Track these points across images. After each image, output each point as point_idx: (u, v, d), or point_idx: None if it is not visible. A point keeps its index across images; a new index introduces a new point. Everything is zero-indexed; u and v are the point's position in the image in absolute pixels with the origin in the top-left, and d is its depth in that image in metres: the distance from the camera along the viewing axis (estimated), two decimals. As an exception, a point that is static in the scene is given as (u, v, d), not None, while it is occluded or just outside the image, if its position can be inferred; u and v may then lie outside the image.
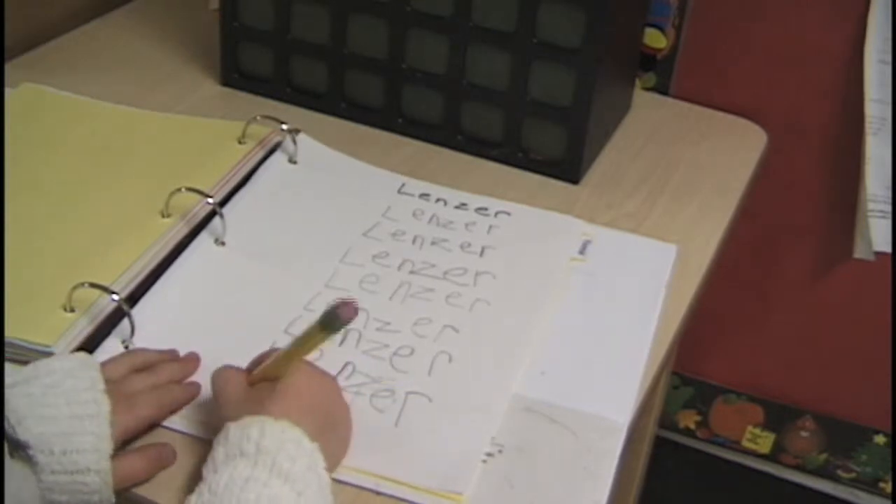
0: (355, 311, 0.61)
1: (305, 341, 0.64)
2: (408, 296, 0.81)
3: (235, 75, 1.06)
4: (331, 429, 0.65)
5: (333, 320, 0.62)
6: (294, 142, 0.95)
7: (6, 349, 0.70)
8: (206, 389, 0.70)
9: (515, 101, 0.95)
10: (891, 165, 1.07)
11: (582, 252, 0.87)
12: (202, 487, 0.59)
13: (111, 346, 0.73)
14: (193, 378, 0.72)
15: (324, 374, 0.68)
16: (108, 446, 0.61)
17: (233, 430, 0.61)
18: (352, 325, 0.76)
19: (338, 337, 0.76)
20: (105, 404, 0.63)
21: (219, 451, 0.60)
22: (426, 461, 0.67)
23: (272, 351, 0.68)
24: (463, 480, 0.66)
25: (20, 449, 0.60)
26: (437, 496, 0.65)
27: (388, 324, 0.78)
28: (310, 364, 0.67)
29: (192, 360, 0.73)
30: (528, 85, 0.94)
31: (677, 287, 0.84)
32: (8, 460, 0.59)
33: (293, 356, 0.65)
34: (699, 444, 1.42)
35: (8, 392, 0.62)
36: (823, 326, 1.25)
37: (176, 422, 0.68)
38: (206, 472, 0.60)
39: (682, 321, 0.82)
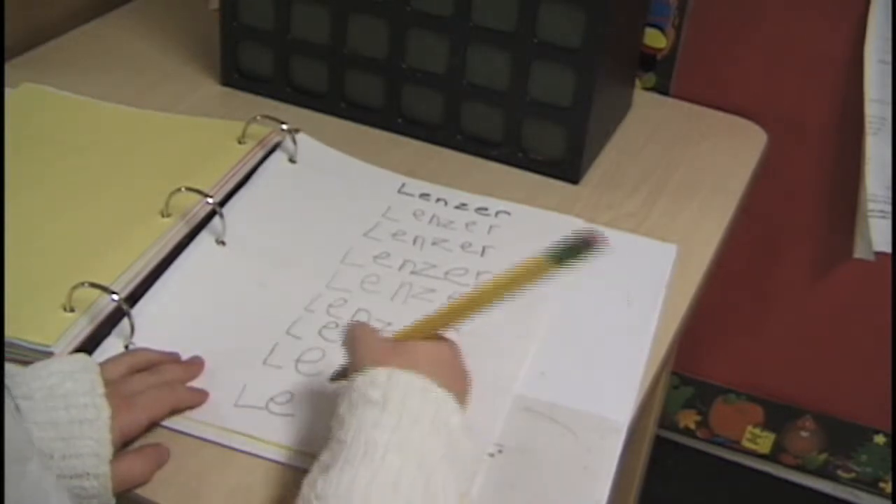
0: (602, 241, 0.58)
1: (506, 282, 0.61)
2: (409, 296, 0.81)
3: (235, 75, 1.06)
4: (462, 395, 0.64)
5: (580, 249, 0.58)
6: (294, 141, 0.95)
7: (6, 349, 0.70)
8: (210, 391, 0.70)
9: (515, 101, 0.95)
10: (891, 165, 1.07)
11: (582, 252, 0.87)
12: (331, 443, 0.58)
13: (111, 347, 0.73)
14: (196, 379, 0.71)
15: (453, 344, 0.67)
16: (107, 451, 0.61)
17: (358, 379, 0.60)
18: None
19: (339, 337, 0.76)
20: (105, 409, 0.62)
21: (343, 404, 0.60)
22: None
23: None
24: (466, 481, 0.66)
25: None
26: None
27: (390, 324, 0.78)
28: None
29: (197, 363, 0.72)
30: (528, 85, 0.94)
31: (677, 287, 0.84)
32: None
33: (462, 311, 0.63)
34: (699, 444, 1.42)
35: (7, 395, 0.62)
36: (823, 326, 1.25)
37: (176, 422, 0.68)
38: (334, 427, 0.60)
39: (682, 321, 0.82)
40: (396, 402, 0.58)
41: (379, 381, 0.59)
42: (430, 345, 0.65)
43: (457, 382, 0.65)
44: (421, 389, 0.60)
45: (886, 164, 1.07)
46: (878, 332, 1.22)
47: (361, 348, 0.65)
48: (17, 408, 0.60)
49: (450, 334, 0.67)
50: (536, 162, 0.97)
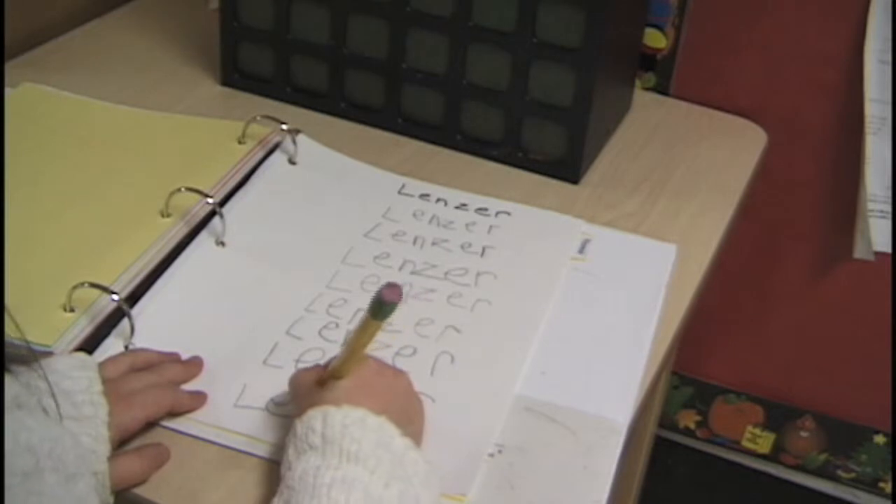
0: (399, 293, 0.60)
1: (361, 334, 0.63)
2: (409, 296, 0.81)
3: (235, 75, 1.06)
4: (407, 422, 0.64)
5: (381, 306, 0.61)
6: (294, 142, 0.95)
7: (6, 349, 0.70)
8: (210, 391, 0.70)
9: (515, 101, 0.95)
10: (891, 165, 1.07)
11: (581, 251, 0.87)
12: (281, 487, 0.60)
13: (111, 347, 0.73)
14: (196, 380, 0.72)
15: (395, 370, 0.68)
16: (105, 449, 0.61)
17: (298, 425, 0.61)
18: (353, 326, 0.77)
19: (340, 338, 0.76)
20: (103, 406, 0.63)
21: (290, 450, 0.61)
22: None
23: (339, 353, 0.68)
24: (466, 481, 0.66)
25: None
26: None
27: (390, 324, 0.77)
28: (379, 360, 0.67)
29: (196, 363, 0.73)
30: (528, 85, 0.94)
31: (677, 287, 0.84)
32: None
33: (354, 352, 0.64)
34: (699, 444, 1.42)
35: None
36: (823, 326, 1.25)
37: (176, 422, 0.68)
38: (283, 470, 0.61)
39: (682, 321, 0.82)
40: (335, 444, 0.59)
41: (316, 426, 0.60)
42: (373, 377, 0.65)
43: (410, 420, 0.65)
44: (357, 422, 0.60)
45: (886, 164, 1.07)
46: (878, 332, 1.22)
47: (300, 393, 0.66)
48: (46, 410, 0.59)
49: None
50: (536, 162, 0.97)
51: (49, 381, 0.60)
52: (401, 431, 0.61)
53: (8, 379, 0.53)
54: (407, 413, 0.66)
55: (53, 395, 0.59)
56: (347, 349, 0.64)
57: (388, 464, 0.59)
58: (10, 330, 0.62)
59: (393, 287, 0.60)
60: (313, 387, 0.65)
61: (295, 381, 0.68)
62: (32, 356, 0.63)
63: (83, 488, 0.54)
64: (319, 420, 0.60)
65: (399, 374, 0.68)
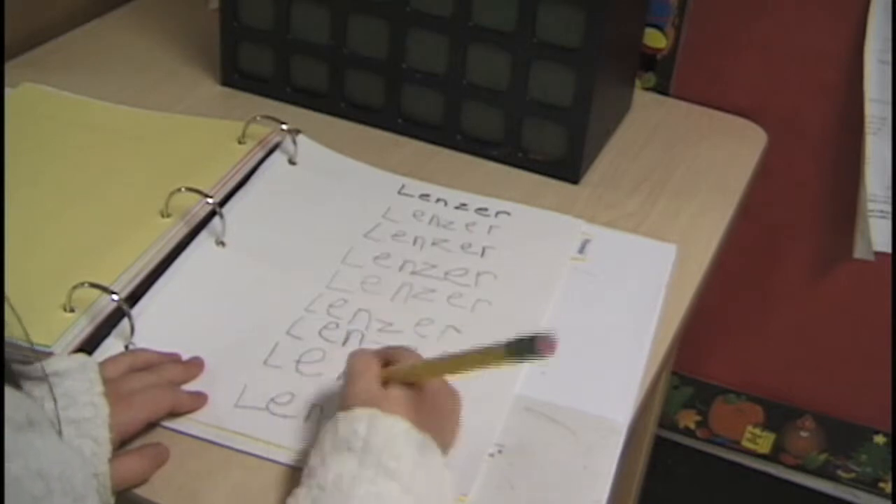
0: (552, 348, 0.57)
1: (474, 360, 0.61)
2: (409, 297, 0.81)
3: (235, 75, 1.06)
4: (448, 443, 0.64)
5: (525, 349, 0.58)
6: (294, 142, 0.95)
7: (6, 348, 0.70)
8: (210, 391, 0.70)
9: (515, 101, 0.95)
10: (891, 165, 1.07)
11: (581, 251, 0.87)
12: (310, 481, 0.59)
13: (111, 347, 0.73)
14: (196, 380, 0.72)
15: (454, 389, 0.67)
16: (106, 450, 0.61)
17: (341, 421, 0.61)
18: (353, 326, 0.77)
19: (340, 338, 0.76)
20: (103, 407, 0.63)
21: (326, 441, 0.60)
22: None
23: (405, 350, 0.67)
24: (467, 481, 0.66)
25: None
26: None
27: (391, 325, 0.78)
28: (445, 381, 0.66)
29: (196, 364, 0.72)
30: (528, 85, 0.94)
31: (677, 287, 0.84)
32: None
33: (446, 370, 0.63)
34: (699, 444, 1.42)
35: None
36: (823, 326, 1.25)
37: (176, 422, 0.68)
38: (314, 461, 0.60)
39: (682, 321, 0.82)
40: (375, 454, 0.58)
41: (360, 429, 0.60)
42: (445, 400, 0.65)
43: (444, 430, 0.65)
44: (402, 435, 0.60)
45: (886, 164, 1.07)
46: (878, 332, 1.22)
47: (356, 384, 0.64)
48: (53, 424, 0.59)
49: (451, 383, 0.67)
50: (536, 162, 0.97)
51: (53, 393, 0.60)
52: (441, 451, 0.61)
53: (20, 396, 0.53)
54: (451, 433, 0.65)
55: (54, 401, 0.59)
56: (441, 362, 0.64)
57: (424, 485, 0.59)
58: (13, 330, 0.62)
59: (549, 342, 0.57)
60: (374, 378, 0.64)
61: (356, 362, 0.66)
62: (36, 358, 0.63)
63: None
64: (365, 423, 0.60)
65: (456, 395, 0.67)
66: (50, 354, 0.69)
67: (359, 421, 0.60)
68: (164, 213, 0.84)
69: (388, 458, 0.58)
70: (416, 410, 0.62)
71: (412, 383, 0.65)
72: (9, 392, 0.52)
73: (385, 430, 0.59)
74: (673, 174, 0.99)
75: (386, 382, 0.65)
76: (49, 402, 0.59)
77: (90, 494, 0.53)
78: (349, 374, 0.66)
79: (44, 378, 0.61)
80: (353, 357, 0.67)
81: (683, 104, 1.13)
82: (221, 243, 0.84)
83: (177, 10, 1.20)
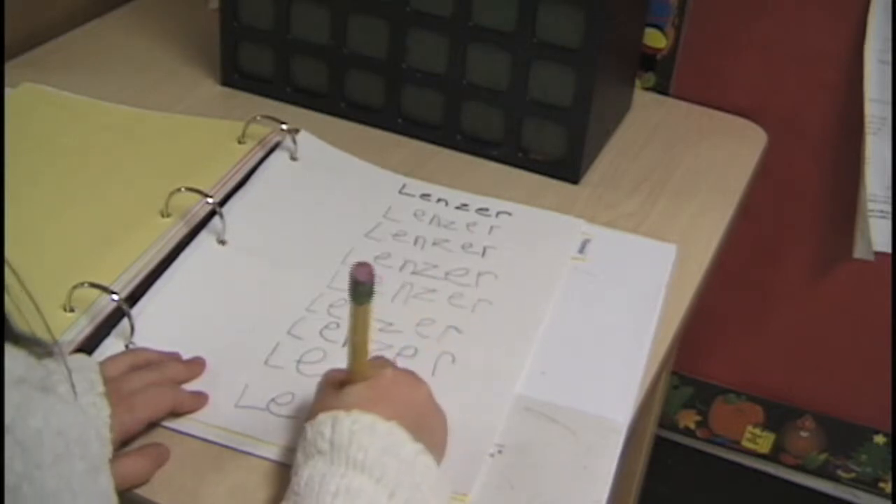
0: (369, 271, 0.59)
1: (355, 326, 0.63)
2: (410, 296, 0.81)
3: (235, 75, 1.06)
4: (425, 433, 0.63)
5: (357, 288, 0.60)
6: (294, 141, 0.95)
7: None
8: (211, 391, 0.70)
9: (515, 101, 0.95)
10: (891, 165, 1.07)
11: (581, 251, 0.87)
12: (288, 492, 0.60)
13: (111, 347, 0.73)
14: (197, 380, 0.72)
15: (416, 378, 0.66)
16: (107, 450, 0.61)
17: (308, 429, 0.61)
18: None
19: (341, 338, 0.76)
20: (104, 408, 0.62)
21: (299, 453, 0.61)
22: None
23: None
24: (468, 481, 0.66)
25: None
26: (438, 496, 0.65)
27: (391, 324, 0.78)
28: (398, 369, 0.66)
29: (198, 363, 0.72)
30: (528, 85, 0.94)
31: (677, 287, 0.84)
32: None
33: (355, 346, 0.64)
34: (699, 443, 1.42)
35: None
36: (823, 326, 1.25)
37: (177, 422, 0.68)
38: (292, 475, 0.61)
39: (682, 321, 0.82)
40: (342, 450, 0.59)
41: (325, 431, 0.60)
42: (391, 384, 0.65)
43: (431, 431, 0.64)
44: (366, 428, 0.60)
45: (886, 164, 1.07)
46: (878, 332, 1.22)
47: (317, 400, 0.65)
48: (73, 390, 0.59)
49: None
50: (536, 162, 0.97)
51: (66, 364, 0.59)
52: (412, 437, 0.61)
53: (30, 360, 0.53)
54: (425, 424, 0.64)
55: (70, 378, 0.58)
56: (350, 346, 0.64)
57: (394, 471, 0.59)
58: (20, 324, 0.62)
59: (362, 266, 0.59)
60: (332, 388, 0.65)
61: (321, 381, 0.67)
62: (45, 351, 0.63)
63: (105, 483, 0.54)
64: (329, 425, 0.60)
65: (418, 384, 0.66)
66: (50, 355, 0.69)
67: (323, 424, 0.61)
68: (165, 213, 0.84)
69: (356, 450, 0.59)
70: (373, 402, 0.62)
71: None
72: (28, 357, 0.52)
73: (348, 426, 0.60)
74: (673, 174, 1.00)
75: (342, 386, 0.65)
76: (61, 367, 0.59)
77: (105, 468, 0.53)
78: (314, 395, 0.67)
79: (59, 354, 0.60)
80: (321, 377, 0.67)
81: (683, 104, 1.13)
82: (222, 243, 0.84)
83: (177, 10, 1.20)
